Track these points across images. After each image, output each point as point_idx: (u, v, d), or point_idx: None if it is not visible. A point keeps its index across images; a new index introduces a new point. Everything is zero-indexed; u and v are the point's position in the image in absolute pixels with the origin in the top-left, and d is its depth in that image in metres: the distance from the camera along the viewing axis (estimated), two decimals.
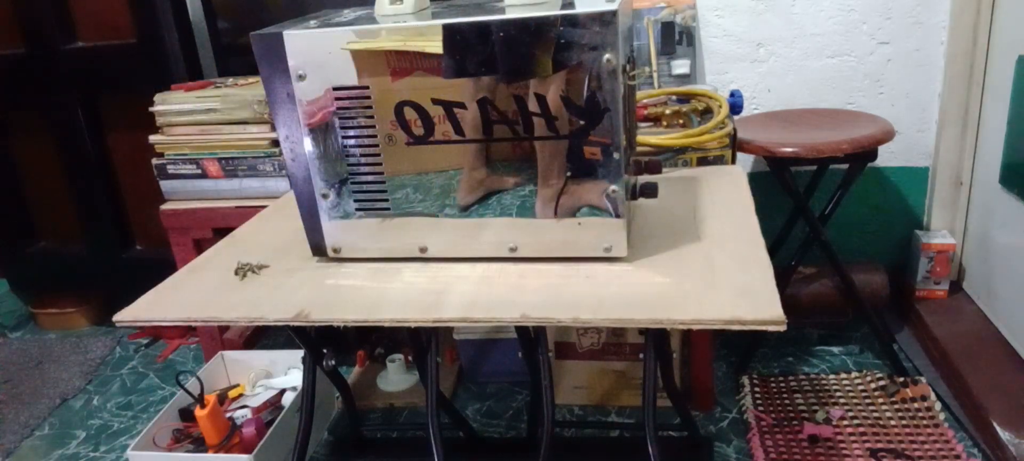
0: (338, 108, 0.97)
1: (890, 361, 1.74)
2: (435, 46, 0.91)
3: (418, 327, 0.93)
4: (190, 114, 1.71)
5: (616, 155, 0.93)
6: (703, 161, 1.42)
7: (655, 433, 1.08)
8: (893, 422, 1.53)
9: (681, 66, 1.80)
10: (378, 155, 0.99)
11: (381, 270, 1.04)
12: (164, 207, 1.77)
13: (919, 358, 1.78)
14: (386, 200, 1.02)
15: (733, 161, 1.42)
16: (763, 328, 0.82)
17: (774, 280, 0.90)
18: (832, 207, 1.69)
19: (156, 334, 2.24)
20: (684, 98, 1.54)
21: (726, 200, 1.18)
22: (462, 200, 1.00)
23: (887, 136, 1.56)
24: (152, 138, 1.75)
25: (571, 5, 0.90)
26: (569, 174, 0.96)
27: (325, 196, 1.03)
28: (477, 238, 1.02)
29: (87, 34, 2.03)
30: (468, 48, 0.91)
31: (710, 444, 1.55)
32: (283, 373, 1.76)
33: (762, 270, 0.93)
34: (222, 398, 1.63)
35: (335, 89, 0.96)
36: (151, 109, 1.73)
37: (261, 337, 2.12)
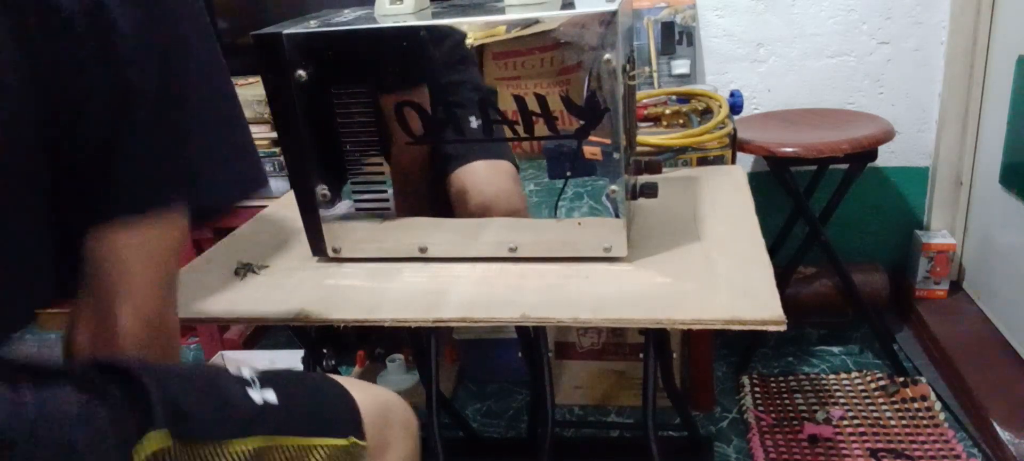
0: (338, 108, 0.97)
1: (890, 361, 1.74)
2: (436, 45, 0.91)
3: (418, 327, 0.93)
4: None
5: (616, 155, 0.93)
6: (703, 161, 1.42)
7: (655, 433, 1.08)
8: (893, 422, 1.53)
9: (681, 66, 1.79)
10: (378, 155, 0.99)
11: (381, 270, 1.04)
12: None
13: (919, 358, 1.78)
14: (386, 200, 1.02)
15: (733, 161, 1.42)
16: (763, 328, 0.82)
17: (774, 280, 0.90)
18: (832, 207, 1.69)
19: None
20: (684, 98, 1.54)
21: (726, 200, 1.18)
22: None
23: (887, 136, 1.56)
24: None
25: (571, 5, 0.90)
26: (569, 174, 0.96)
27: (325, 196, 1.03)
28: (477, 238, 1.02)
29: None
30: (468, 48, 0.91)
31: (710, 444, 1.55)
32: None
33: (762, 270, 0.93)
34: None
35: (335, 89, 0.96)
36: None
37: (261, 337, 2.12)
